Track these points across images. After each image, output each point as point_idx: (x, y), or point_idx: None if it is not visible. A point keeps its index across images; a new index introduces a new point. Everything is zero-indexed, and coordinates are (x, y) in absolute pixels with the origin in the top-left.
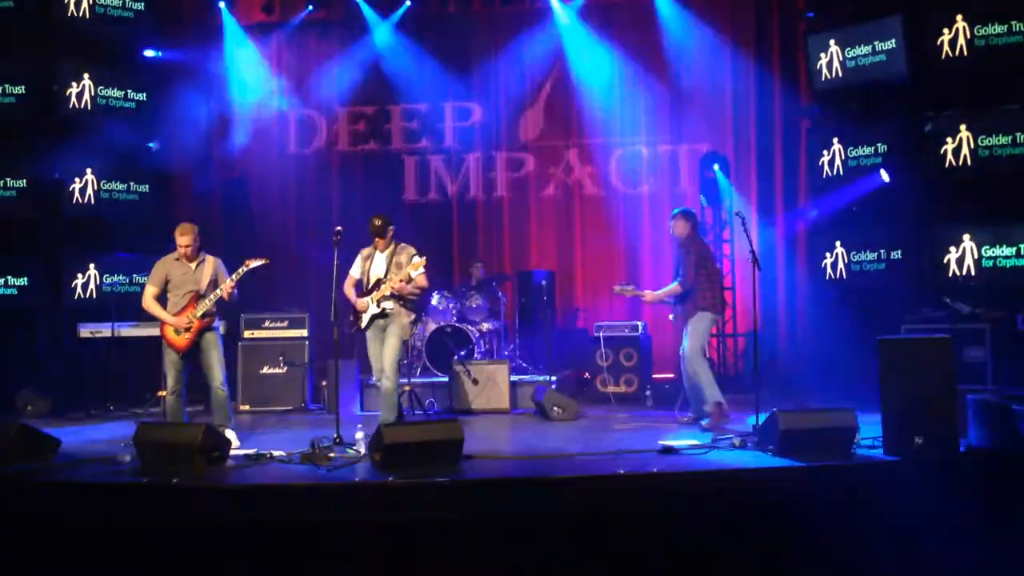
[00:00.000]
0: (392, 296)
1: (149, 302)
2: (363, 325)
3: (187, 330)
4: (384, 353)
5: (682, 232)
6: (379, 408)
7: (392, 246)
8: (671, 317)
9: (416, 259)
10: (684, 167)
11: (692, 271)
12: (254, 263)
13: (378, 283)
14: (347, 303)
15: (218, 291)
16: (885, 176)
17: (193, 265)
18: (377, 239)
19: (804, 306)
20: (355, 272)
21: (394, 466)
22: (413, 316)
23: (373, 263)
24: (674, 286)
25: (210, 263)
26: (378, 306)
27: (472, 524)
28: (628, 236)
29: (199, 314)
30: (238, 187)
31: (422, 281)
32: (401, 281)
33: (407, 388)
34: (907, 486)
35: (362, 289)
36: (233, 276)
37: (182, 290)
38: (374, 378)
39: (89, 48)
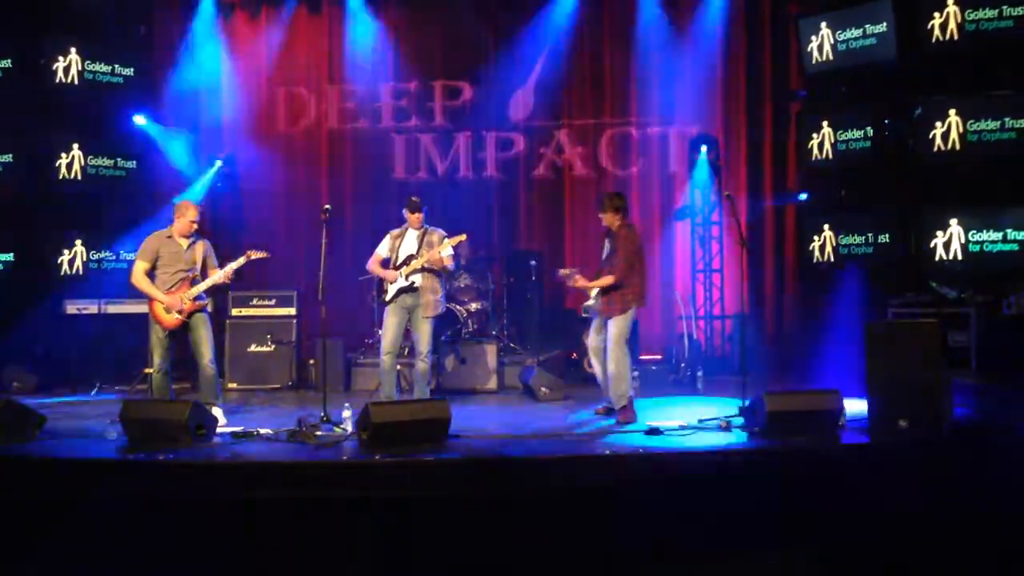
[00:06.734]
0: (422, 271)
1: (140, 277)
2: (388, 298)
3: (179, 312)
4: (420, 338)
5: (613, 222)
6: (416, 387)
7: (424, 227)
8: (589, 304)
9: (448, 239)
10: (674, 149)
11: (626, 264)
12: (256, 255)
13: (408, 259)
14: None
15: (216, 278)
16: None
17: (185, 244)
18: (413, 216)
19: (792, 288)
20: (382, 251)
21: (381, 445)
22: (441, 293)
23: (404, 241)
24: (608, 279)
25: (201, 245)
26: (407, 279)
27: (459, 502)
28: None
29: (192, 296)
30: (226, 165)
31: (449, 261)
32: (435, 257)
33: (399, 368)
34: (891, 468)
35: (390, 266)
36: (233, 264)
37: (172, 268)
38: (382, 354)
39: (76, 22)
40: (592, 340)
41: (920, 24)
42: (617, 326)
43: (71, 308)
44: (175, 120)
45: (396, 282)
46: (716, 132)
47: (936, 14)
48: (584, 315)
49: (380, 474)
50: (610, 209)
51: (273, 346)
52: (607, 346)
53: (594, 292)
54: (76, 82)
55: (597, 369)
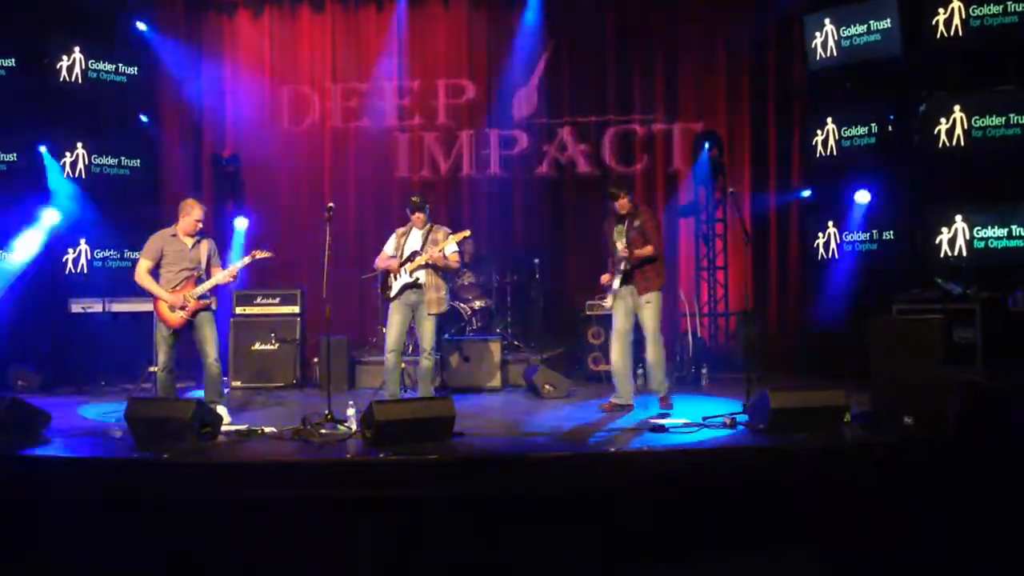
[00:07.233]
0: (426, 266)
1: (143, 276)
2: (392, 294)
3: (183, 309)
4: (424, 335)
5: (629, 205)
6: (419, 384)
7: (429, 225)
8: (615, 286)
9: (451, 235)
10: (678, 145)
11: (657, 236)
12: (260, 255)
13: (413, 255)
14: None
15: (220, 277)
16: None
17: (190, 243)
18: (416, 215)
19: (796, 285)
20: (389, 249)
21: (385, 443)
22: (444, 290)
23: (409, 239)
24: (649, 249)
25: (205, 244)
26: (411, 275)
27: (463, 500)
28: None
29: (196, 295)
30: (230, 164)
31: (455, 258)
32: (439, 252)
33: (403, 366)
34: (895, 465)
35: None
36: (238, 264)
37: (176, 267)
38: (386, 351)
39: (80, 21)
40: (619, 324)
41: (924, 20)
42: (654, 310)
43: (75, 307)
44: (179, 119)
45: (400, 279)
46: (720, 129)
47: (940, 10)
48: (588, 313)
49: (384, 472)
50: (623, 193)
51: (277, 344)
52: (648, 333)
53: (616, 282)
54: (80, 81)
55: (616, 353)
